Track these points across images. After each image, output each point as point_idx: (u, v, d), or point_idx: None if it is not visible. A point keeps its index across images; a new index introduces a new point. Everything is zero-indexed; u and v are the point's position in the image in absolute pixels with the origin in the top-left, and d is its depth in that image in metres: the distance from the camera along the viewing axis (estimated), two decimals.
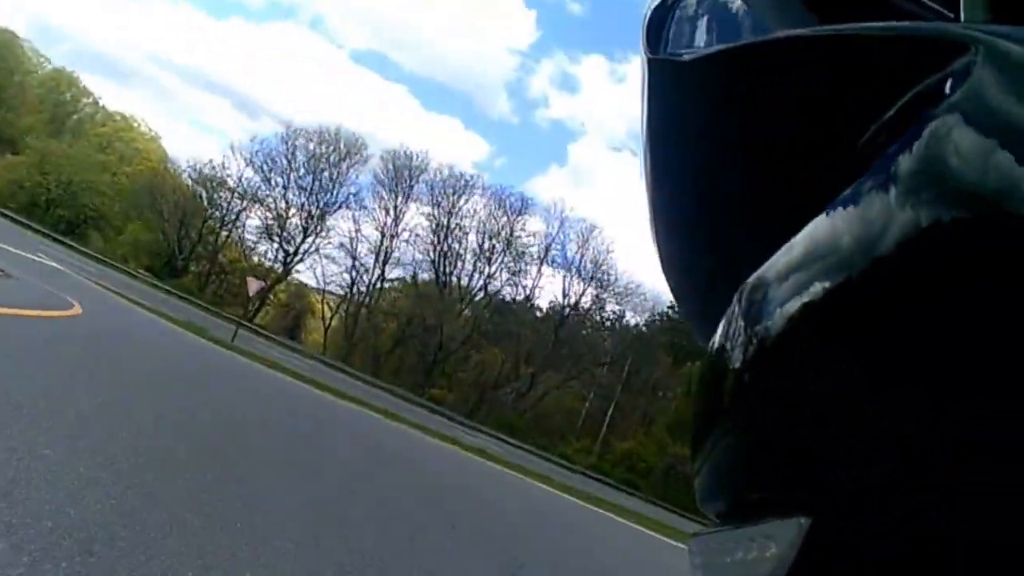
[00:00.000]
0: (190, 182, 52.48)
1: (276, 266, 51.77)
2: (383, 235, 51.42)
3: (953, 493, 0.34)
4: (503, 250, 49.72)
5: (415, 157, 50.92)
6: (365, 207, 51.93)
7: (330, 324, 51.99)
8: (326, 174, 51.38)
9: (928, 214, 0.37)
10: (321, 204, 51.43)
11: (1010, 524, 0.32)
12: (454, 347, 45.78)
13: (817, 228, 0.46)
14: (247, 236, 53.19)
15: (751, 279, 0.52)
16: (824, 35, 0.55)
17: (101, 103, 59.17)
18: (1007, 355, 0.31)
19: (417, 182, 50.88)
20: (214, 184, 51.51)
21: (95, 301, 13.55)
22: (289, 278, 52.83)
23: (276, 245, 51.92)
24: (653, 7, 0.80)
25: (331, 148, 51.41)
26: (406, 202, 51.17)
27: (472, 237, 50.67)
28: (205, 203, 51.70)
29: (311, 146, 51.38)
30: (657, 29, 0.78)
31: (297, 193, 51.49)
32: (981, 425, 0.33)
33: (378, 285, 52.58)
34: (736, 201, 0.65)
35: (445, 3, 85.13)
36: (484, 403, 43.30)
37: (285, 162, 51.38)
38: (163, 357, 10.62)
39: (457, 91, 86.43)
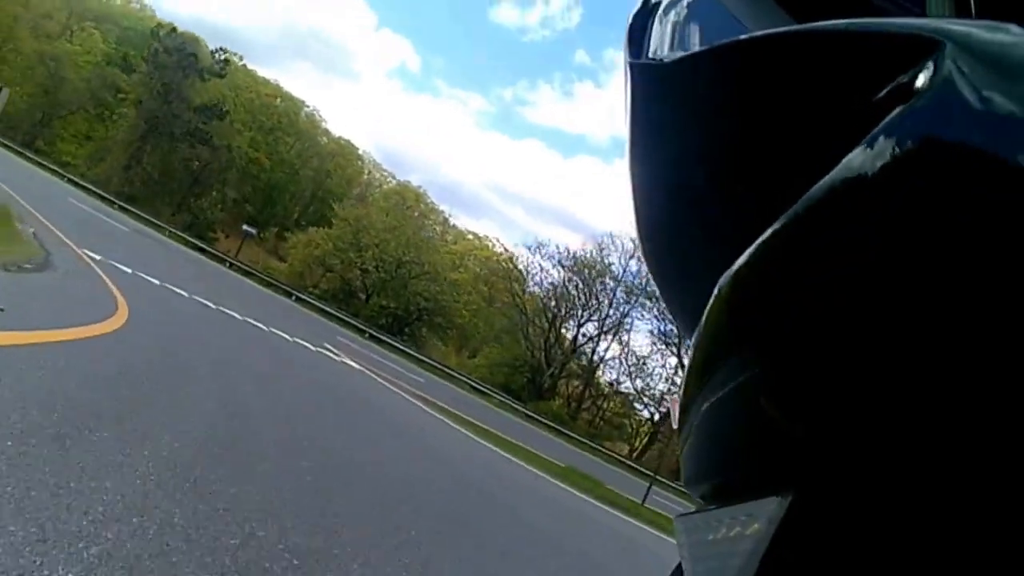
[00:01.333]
0: (561, 269, 40.90)
1: (672, 388, 35.64)
2: None
3: (925, 469, 0.33)
4: None
5: None
6: None
7: None
8: None
9: (894, 210, 0.37)
10: None
11: (975, 493, 0.31)
12: None
13: (778, 225, 0.47)
14: (634, 345, 38.65)
15: (724, 276, 0.54)
16: (792, 33, 0.55)
17: (452, 222, 53.14)
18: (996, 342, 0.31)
19: None
20: (594, 273, 38.96)
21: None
22: None
23: (675, 359, 36.40)
24: (635, 12, 0.81)
25: None
26: None
27: None
28: (581, 298, 38.79)
29: None
30: (639, 34, 0.79)
31: None
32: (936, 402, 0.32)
33: None
34: (716, 200, 0.65)
35: None
36: None
37: None
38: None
39: None
